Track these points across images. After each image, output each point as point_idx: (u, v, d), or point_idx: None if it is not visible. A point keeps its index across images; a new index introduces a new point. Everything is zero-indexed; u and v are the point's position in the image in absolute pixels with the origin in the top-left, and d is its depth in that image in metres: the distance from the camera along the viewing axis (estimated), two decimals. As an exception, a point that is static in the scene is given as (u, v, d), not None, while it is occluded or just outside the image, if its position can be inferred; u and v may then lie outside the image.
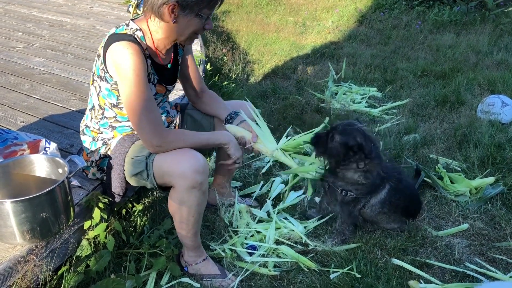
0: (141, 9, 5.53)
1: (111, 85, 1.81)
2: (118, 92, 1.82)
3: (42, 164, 1.87)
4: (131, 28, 1.80)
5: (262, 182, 2.70)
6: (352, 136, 2.00)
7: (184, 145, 1.84)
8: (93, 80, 1.90)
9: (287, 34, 5.85)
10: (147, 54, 1.82)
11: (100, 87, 1.86)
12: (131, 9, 5.16)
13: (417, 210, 2.35)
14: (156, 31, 1.81)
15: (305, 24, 6.40)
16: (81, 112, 2.83)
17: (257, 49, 5.21)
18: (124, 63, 1.70)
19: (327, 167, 2.15)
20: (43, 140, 2.10)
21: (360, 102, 3.89)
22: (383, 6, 6.91)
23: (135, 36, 1.78)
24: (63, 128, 2.63)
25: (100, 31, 4.64)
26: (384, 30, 6.01)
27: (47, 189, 1.63)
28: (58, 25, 4.82)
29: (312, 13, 6.95)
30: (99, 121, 1.95)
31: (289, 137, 2.17)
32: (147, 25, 1.81)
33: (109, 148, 1.95)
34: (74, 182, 2.05)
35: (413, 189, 2.39)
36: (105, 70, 1.78)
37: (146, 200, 2.42)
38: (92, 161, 1.99)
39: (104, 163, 1.97)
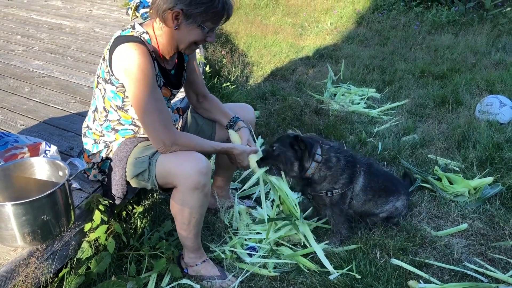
0: (140, 11, 5.51)
1: (117, 88, 1.82)
2: (124, 94, 1.83)
3: (42, 167, 1.88)
4: (137, 31, 1.81)
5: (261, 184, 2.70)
6: (286, 136, 2.15)
7: (194, 148, 1.88)
8: (97, 83, 1.91)
9: (285, 36, 5.86)
10: (154, 57, 1.83)
11: (105, 89, 1.87)
12: (130, 12, 5.18)
13: (399, 183, 2.43)
14: (161, 36, 1.83)
15: (304, 25, 6.41)
16: (81, 115, 2.84)
17: (256, 51, 5.22)
18: (132, 64, 1.71)
19: (292, 183, 2.19)
20: (43, 143, 2.10)
21: (359, 103, 3.90)
22: (382, 7, 6.93)
23: (142, 38, 1.79)
24: (63, 131, 2.64)
25: (99, 34, 4.65)
26: (382, 31, 6.02)
27: (48, 192, 1.63)
28: (57, 28, 4.83)
29: (311, 14, 6.97)
30: (102, 124, 1.96)
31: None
32: (153, 29, 1.83)
33: (110, 151, 1.96)
34: (75, 185, 2.06)
35: (385, 171, 2.56)
36: (111, 73, 1.79)
37: (146, 202, 2.43)
38: (94, 163, 2.00)
39: (105, 165, 1.98)
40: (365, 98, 3.96)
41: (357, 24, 6.46)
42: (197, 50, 4.18)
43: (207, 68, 4.04)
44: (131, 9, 5.12)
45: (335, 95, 4.04)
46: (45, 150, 2.10)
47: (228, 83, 4.06)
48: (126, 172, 1.90)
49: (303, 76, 4.50)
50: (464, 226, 2.34)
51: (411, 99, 3.92)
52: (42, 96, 3.11)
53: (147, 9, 4.87)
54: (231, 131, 2.17)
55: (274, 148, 2.12)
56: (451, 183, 2.65)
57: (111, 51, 1.76)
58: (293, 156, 2.10)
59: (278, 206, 2.19)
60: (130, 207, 2.29)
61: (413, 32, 5.87)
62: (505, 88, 4.00)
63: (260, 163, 2.08)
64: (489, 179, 2.61)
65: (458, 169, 2.83)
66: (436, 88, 4.11)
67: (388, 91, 4.12)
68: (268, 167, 2.11)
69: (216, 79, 4.07)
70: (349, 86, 4.23)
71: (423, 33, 5.85)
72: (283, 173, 2.14)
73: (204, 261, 2.04)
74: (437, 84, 4.24)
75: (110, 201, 1.97)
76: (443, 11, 6.40)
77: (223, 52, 4.78)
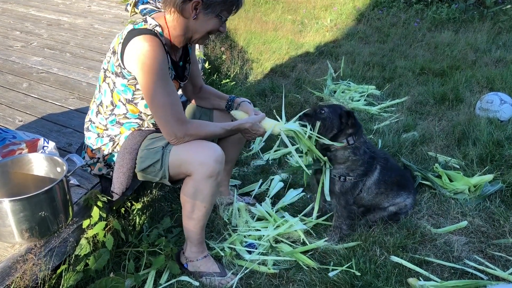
0: (139, 7, 5.48)
1: (128, 81, 1.82)
2: (135, 87, 1.84)
3: (40, 163, 1.86)
4: (150, 24, 1.81)
5: (261, 181, 2.70)
6: (338, 107, 2.23)
7: (205, 135, 1.90)
8: (105, 77, 1.91)
9: (285, 33, 5.85)
10: (166, 50, 1.84)
11: (114, 83, 1.86)
12: (129, 8, 5.15)
13: (410, 181, 2.48)
14: (174, 28, 1.84)
15: (304, 22, 6.40)
16: (79, 111, 2.83)
17: (256, 48, 5.20)
18: (147, 57, 1.72)
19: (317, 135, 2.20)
20: (42, 139, 2.09)
21: (358, 100, 3.89)
22: (382, 4, 6.91)
23: (155, 31, 1.79)
24: (61, 127, 2.62)
25: (98, 30, 4.63)
26: (382, 28, 6.01)
27: (46, 188, 1.62)
28: (56, 24, 4.81)
29: (310, 11, 6.95)
30: (107, 118, 1.96)
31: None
32: (165, 21, 1.83)
33: (117, 144, 1.95)
34: (73, 181, 2.05)
35: (400, 167, 2.61)
36: (122, 66, 1.79)
37: (145, 199, 2.42)
38: (98, 158, 2.00)
39: (111, 159, 1.98)
40: (365, 95, 3.95)
41: (357, 21, 6.44)
42: (196, 46, 4.17)
43: (206, 65, 4.03)
44: (130, 5, 5.10)
45: (335, 92, 4.03)
46: (43, 146, 2.08)
47: (227, 80, 4.05)
48: (136, 164, 1.91)
49: (302, 73, 4.49)
50: (464, 223, 2.33)
51: (411, 96, 3.91)
52: (40, 92, 3.09)
53: (146, 5, 4.85)
54: (233, 112, 2.19)
55: (323, 111, 2.19)
56: (451, 180, 2.64)
57: (124, 44, 1.76)
58: (337, 125, 2.17)
59: (306, 153, 2.23)
60: (129, 204, 2.28)
61: (413, 29, 5.86)
62: (505, 86, 3.99)
63: (302, 118, 2.19)
64: (489, 177, 2.60)
65: (458, 167, 2.82)
66: (436, 85, 4.10)
67: (388, 88, 4.10)
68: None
69: (215, 75, 4.05)
70: (349, 83, 4.22)
71: (423, 30, 5.83)
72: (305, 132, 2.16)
73: (205, 257, 2.04)
74: (437, 81, 4.23)
75: (109, 197, 1.97)
76: (443, 8, 6.38)
77: (222, 49, 4.76)
